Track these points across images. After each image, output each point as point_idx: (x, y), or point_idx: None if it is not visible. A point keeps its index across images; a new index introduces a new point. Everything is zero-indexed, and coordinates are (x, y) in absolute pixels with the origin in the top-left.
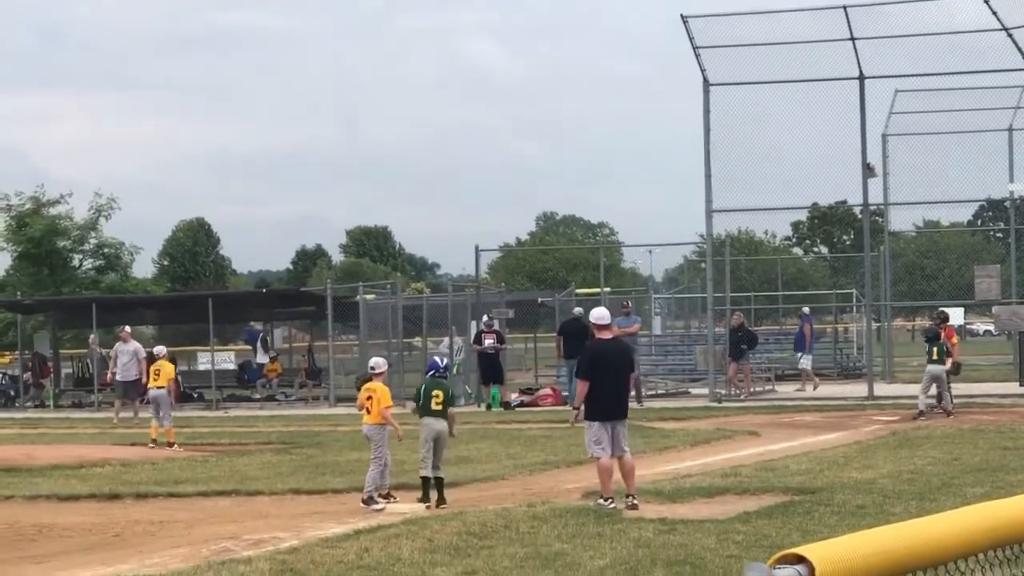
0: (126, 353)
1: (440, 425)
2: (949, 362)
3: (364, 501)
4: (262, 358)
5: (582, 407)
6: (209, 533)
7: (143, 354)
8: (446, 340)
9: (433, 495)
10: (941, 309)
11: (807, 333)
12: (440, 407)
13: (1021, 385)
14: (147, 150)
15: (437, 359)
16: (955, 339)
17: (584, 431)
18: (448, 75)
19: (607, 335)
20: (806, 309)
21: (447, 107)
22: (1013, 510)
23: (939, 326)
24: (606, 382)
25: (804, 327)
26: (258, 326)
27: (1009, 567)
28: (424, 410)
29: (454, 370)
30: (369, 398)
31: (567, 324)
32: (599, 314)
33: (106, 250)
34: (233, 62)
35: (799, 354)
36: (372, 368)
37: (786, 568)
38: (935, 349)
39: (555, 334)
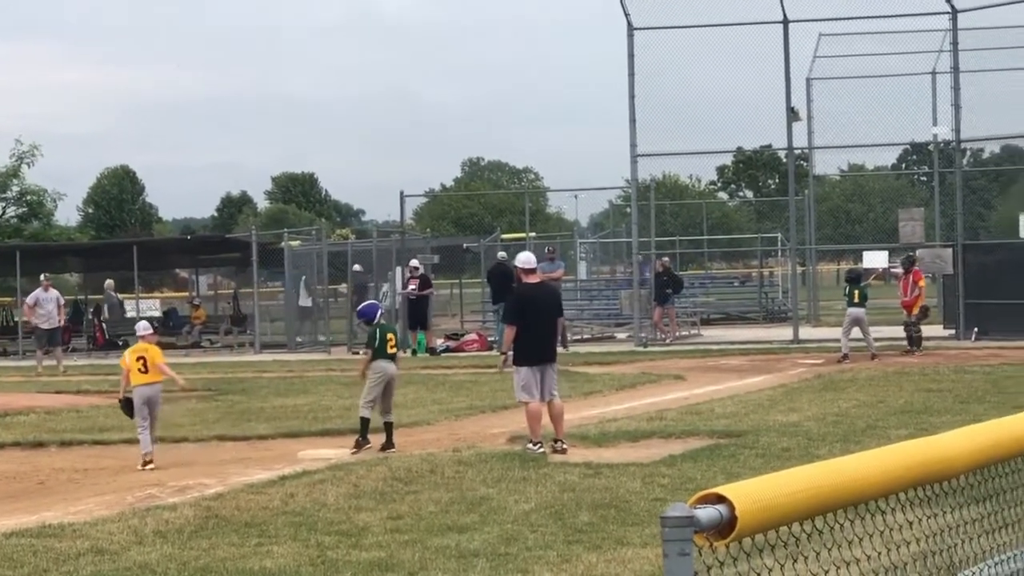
0: (50, 301)
1: (393, 368)
2: (918, 307)
3: (147, 463)
4: (304, 301)
5: (510, 352)
6: (134, 480)
7: (62, 301)
8: (387, 285)
9: (374, 439)
10: (911, 253)
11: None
12: (394, 350)
13: (945, 328)
14: (70, 98)
15: (376, 303)
16: (923, 282)
17: (512, 376)
18: (358, 21)
19: (534, 279)
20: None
21: (365, 54)
22: (931, 450)
23: (908, 269)
24: (534, 326)
25: (643, 272)
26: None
27: (930, 506)
28: (380, 353)
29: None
30: (141, 359)
31: (492, 268)
32: (525, 258)
33: (29, 197)
34: (145, 7)
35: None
36: (137, 331)
37: (707, 508)
38: (856, 291)
39: (484, 279)
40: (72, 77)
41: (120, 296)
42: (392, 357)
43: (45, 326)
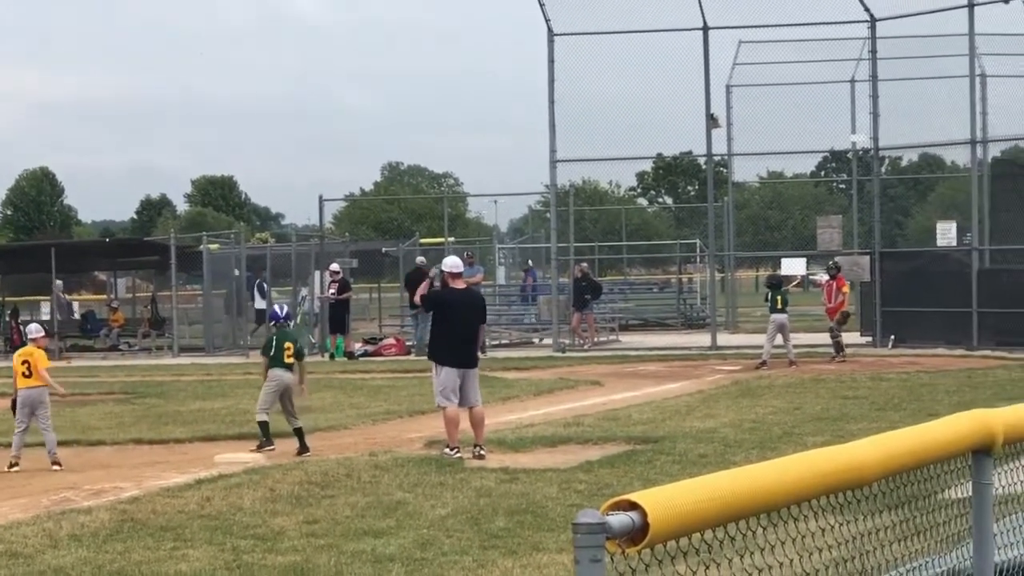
0: None
1: (288, 377)
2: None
3: (57, 463)
4: (260, 303)
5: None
6: (49, 483)
7: None
8: (306, 289)
9: (286, 445)
10: (836, 260)
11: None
12: (291, 360)
13: (862, 335)
14: None
15: (276, 308)
16: (846, 288)
17: (432, 380)
18: (276, 24)
19: (460, 284)
20: (531, 262)
21: (283, 57)
22: (844, 457)
23: (833, 276)
24: (457, 331)
25: (528, 279)
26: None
27: (843, 513)
28: (275, 361)
29: (297, 320)
30: (25, 363)
31: (411, 273)
32: (452, 263)
33: None
34: (61, 8)
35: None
36: (28, 334)
37: (619, 515)
38: (778, 298)
39: (403, 284)
40: None
41: (68, 297)
42: (288, 367)
43: None
